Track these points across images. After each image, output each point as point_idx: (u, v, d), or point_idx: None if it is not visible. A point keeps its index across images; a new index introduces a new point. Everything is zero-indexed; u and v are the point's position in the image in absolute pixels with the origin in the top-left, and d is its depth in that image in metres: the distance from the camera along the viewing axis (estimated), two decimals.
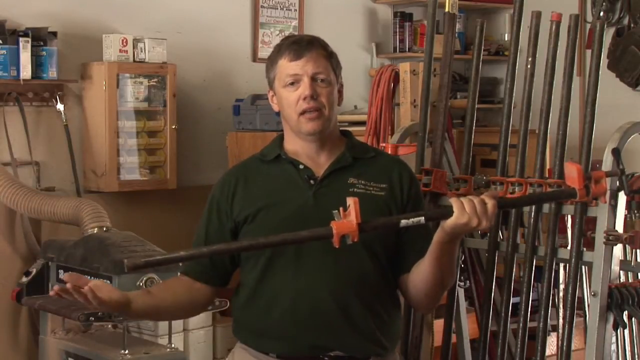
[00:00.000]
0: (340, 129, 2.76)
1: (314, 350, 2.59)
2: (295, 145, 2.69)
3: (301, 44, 2.63)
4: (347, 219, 2.38)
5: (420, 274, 2.61)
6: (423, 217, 2.44)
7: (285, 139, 2.72)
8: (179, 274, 2.78)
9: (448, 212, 2.43)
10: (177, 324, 4.67)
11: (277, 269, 2.60)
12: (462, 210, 2.40)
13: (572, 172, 2.51)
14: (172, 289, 2.70)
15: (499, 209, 2.45)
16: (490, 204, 2.41)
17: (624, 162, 3.35)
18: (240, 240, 2.62)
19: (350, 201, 2.39)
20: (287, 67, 2.63)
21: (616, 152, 2.86)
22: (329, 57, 2.66)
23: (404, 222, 2.43)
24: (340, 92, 2.71)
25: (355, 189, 2.63)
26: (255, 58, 5.84)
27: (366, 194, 2.63)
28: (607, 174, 2.62)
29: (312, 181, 2.64)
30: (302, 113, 2.61)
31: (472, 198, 2.42)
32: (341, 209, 2.39)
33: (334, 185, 2.64)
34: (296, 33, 5.89)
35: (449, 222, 2.43)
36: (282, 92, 2.65)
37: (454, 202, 2.43)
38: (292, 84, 2.62)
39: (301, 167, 2.66)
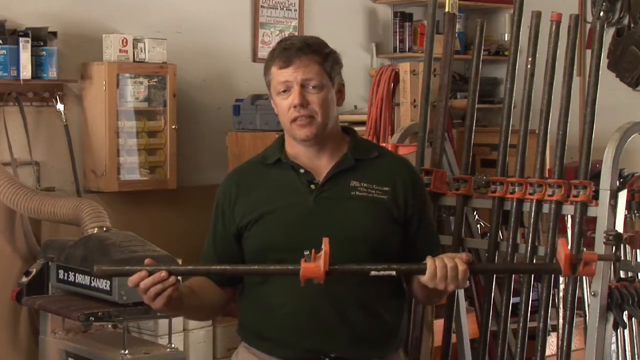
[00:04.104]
0: (343, 125, 2.73)
1: (314, 354, 2.59)
2: (295, 149, 2.67)
3: (291, 51, 2.60)
4: (317, 263, 2.39)
5: (418, 288, 2.65)
6: (395, 272, 2.48)
7: (286, 141, 2.70)
8: (180, 261, 2.77)
9: (420, 271, 2.48)
10: (177, 324, 4.68)
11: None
12: (432, 275, 2.46)
13: (561, 254, 2.50)
14: (207, 289, 2.67)
15: (472, 274, 2.54)
16: (461, 269, 2.45)
17: (624, 163, 3.36)
18: (210, 264, 2.66)
19: (324, 245, 2.39)
20: (278, 74, 2.61)
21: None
22: (322, 62, 2.62)
23: (374, 272, 2.46)
24: (341, 91, 2.68)
25: (357, 192, 2.62)
26: (255, 58, 5.84)
27: (368, 198, 2.62)
28: (600, 258, 2.58)
29: (312, 186, 2.63)
30: (294, 120, 2.60)
31: (447, 262, 2.46)
32: (313, 251, 2.39)
33: (335, 189, 2.62)
34: (296, 33, 5.91)
35: (422, 279, 2.49)
36: (276, 99, 2.65)
37: (429, 264, 2.47)
38: (284, 91, 2.60)
39: (302, 171, 2.64)
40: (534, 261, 3.42)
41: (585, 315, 3.65)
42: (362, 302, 2.59)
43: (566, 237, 3.62)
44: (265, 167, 2.70)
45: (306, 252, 2.39)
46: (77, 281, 4.23)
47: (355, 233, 2.58)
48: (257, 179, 2.69)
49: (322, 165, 2.66)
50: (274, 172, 2.68)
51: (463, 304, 3.77)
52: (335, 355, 2.59)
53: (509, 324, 3.48)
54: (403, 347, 2.78)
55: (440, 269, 2.45)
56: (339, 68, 2.68)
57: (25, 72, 4.75)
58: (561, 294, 3.71)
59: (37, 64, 4.82)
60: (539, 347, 3.40)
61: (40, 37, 4.83)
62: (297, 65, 2.59)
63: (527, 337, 3.43)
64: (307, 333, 2.57)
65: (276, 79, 2.62)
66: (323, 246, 2.39)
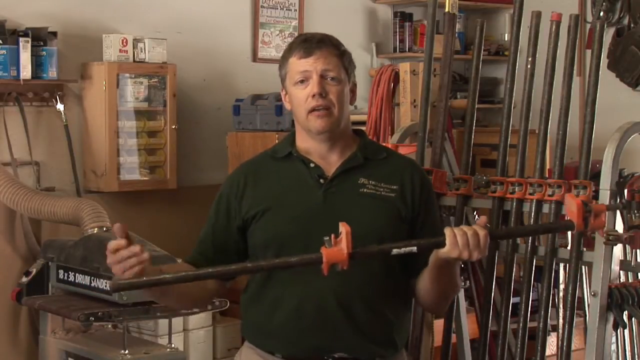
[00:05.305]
0: (354, 128, 2.74)
1: (318, 352, 2.59)
2: (307, 144, 2.68)
3: (312, 42, 2.63)
4: (338, 247, 2.35)
5: (423, 289, 2.64)
6: (415, 247, 2.44)
7: (297, 137, 2.71)
8: (180, 260, 2.75)
9: (441, 243, 2.44)
10: (177, 324, 4.67)
11: (284, 270, 2.58)
12: (454, 244, 2.42)
13: (572, 206, 2.49)
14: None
15: (491, 240, 2.46)
16: (482, 234, 2.43)
17: (624, 163, 3.36)
18: (228, 265, 2.55)
19: (342, 228, 2.36)
20: (297, 64, 2.63)
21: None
22: (340, 56, 2.65)
23: (395, 251, 2.43)
24: (353, 91, 2.70)
25: (365, 189, 2.63)
26: (255, 58, 5.83)
27: (376, 195, 2.63)
28: (608, 208, 2.60)
29: (322, 180, 2.63)
30: (311, 111, 2.61)
31: (466, 230, 2.43)
32: (332, 235, 2.36)
33: (344, 185, 2.63)
34: (296, 33, 5.90)
35: (441, 253, 2.46)
36: (292, 90, 2.65)
37: (447, 233, 2.44)
38: (301, 81, 2.62)
39: (312, 165, 2.65)
40: (534, 262, 3.42)
41: (585, 315, 3.65)
42: (367, 301, 2.58)
43: (566, 236, 3.63)
44: (275, 161, 2.71)
45: (326, 238, 2.36)
46: (77, 281, 4.24)
47: (364, 230, 2.54)
48: (266, 172, 2.70)
49: (332, 161, 2.67)
50: (283, 166, 2.69)
51: (463, 304, 3.77)
52: (338, 354, 2.59)
53: (509, 324, 3.48)
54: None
55: (461, 236, 2.42)
56: (353, 68, 2.71)
57: (25, 72, 4.75)
58: (561, 294, 3.71)
59: (37, 64, 4.83)
60: (539, 347, 3.40)
61: (40, 37, 4.83)
62: (317, 55, 2.61)
63: (527, 337, 3.43)
64: (312, 332, 2.57)
65: (294, 69, 2.63)
66: (342, 228, 2.36)
